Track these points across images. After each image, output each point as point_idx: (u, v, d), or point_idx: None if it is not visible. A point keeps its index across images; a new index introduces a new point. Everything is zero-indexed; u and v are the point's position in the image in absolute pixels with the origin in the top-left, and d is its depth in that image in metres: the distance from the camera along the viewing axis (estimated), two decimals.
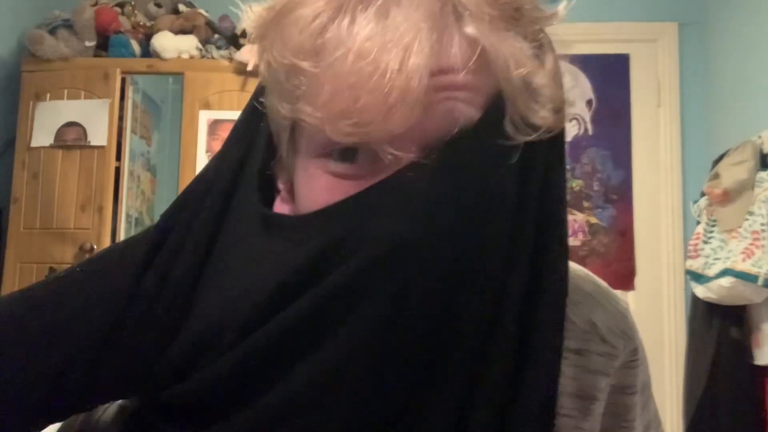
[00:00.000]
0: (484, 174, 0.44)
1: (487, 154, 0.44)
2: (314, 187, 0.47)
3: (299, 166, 0.49)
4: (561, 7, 0.47)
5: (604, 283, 0.60)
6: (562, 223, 0.49)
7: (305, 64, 0.44)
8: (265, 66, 0.48)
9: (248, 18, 0.49)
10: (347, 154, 0.46)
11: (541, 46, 0.46)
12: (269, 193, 0.52)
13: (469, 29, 0.44)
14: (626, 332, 0.58)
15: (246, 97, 2.48)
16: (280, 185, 0.52)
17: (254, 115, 0.52)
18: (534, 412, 0.46)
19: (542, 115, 0.45)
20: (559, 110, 0.46)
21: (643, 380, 0.61)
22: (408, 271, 0.42)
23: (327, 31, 0.44)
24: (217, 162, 0.54)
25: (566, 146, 0.50)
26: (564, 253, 0.49)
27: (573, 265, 0.55)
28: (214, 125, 2.80)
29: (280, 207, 0.51)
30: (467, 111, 0.44)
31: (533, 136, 0.45)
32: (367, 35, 0.42)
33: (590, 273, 0.60)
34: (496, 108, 0.44)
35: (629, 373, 0.58)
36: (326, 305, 0.43)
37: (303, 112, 0.45)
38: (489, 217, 0.44)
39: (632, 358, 0.59)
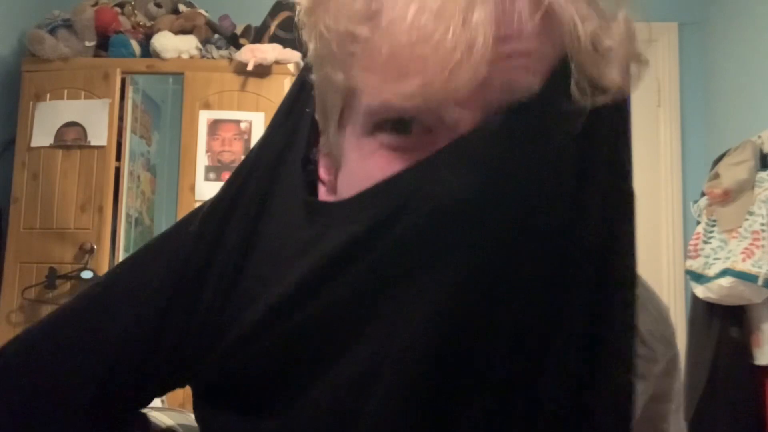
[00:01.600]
0: (547, 140, 0.41)
1: (552, 121, 0.42)
2: (369, 165, 0.44)
3: (351, 147, 0.46)
4: None
5: (649, 286, 0.58)
6: (629, 196, 0.47)
7: (361, 29, 0.42)
8: (315, 40, 0.46)
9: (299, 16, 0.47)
10: (401, 125, 0.43)
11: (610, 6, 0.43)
12: (311, 181, 0.50)
13: None
14: (668, 338, 0.58)
15: (246, 97, 2.48)
16: (324, 174, 0.50)
17: (299, 100, 0.51)
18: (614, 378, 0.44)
19: (612, 77, 0.43)
20: (624, 75, 0.43)
21: (678, 389, 0.61)
22: (472, 228, 0.40)
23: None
24: (258, 149, 0.53)
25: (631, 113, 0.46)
26: (632, 228, 0.46)
27: None
28: (214, 125, 2.80)
29: (326, 197, 0.49)
30: (529, 80, 0.41)
31: (602, 100, 0.42)
32: None
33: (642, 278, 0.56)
34: (562, 73, 0.42)
35: (667, 381, 0.58)
36: (384, 271, 0.41)
37: (359, 78, 0.43)
38: (552, 183, 0.42)
39: (671, 366, 0.58)
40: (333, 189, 0.49)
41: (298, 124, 0.51)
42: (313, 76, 0.48)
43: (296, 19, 0.48)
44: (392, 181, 0.42)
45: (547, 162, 0.41)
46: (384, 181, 0.42)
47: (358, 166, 0.46)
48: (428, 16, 0.39)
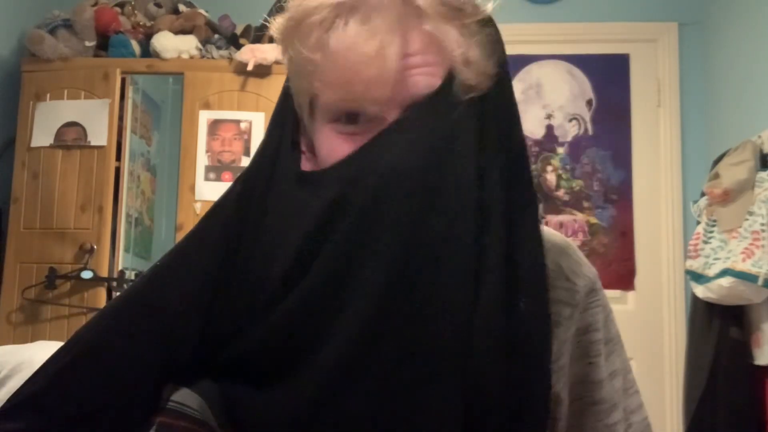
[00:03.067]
0: (444, 122, 0.61)
1: (445, 108, 0.62)
2: (329, 145, 0.65)
3: (318, 130, 0.66)
4: (489, 6, 0.66)
5: (572, 243, 0.76)
6: (527, 160, 0.66)
7: (316, 56, 0.63)
8: (288, 59, 0.67)
9: (274, 26, 0.68)
10: (352, 117, 0.63)
11: (476, 32, 0.64)
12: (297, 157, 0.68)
13: (427, 26, 0.62)
14: (586, 274, 0.73)
15: (246, 97, 2.50)
16: (303, 148, 0.68)
17: (285, 100, 0.69)
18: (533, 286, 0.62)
19: (476, 79, 0.63)
20: (488, 74, 0.64)
21: (606, 327, 0.73)
22: (402, 185, 0.58)
23: (330, 31, 0.63)
24: (264, 139, 0.70)
25: (515, 101, 0.67)
26: (529, 175, 0.66)
27: (546, 227, 0.71)
28: (214, 125, 2.80)
29: (305, 165, 0.67)
30: (431, 81, 0.62)
31: (472, 94, 0.63)
32: (355, 33, 0.61)
33: (561, 234, 0.77)
34: (448, 78, 0.62)
35: (589, 313, 0.72)
36: (354, 236, 0.58)
37: (316, 87, 0.64)
38: (458, 151, 0.61)
39: (592, 298, 0.73)
40: (311, 158, 0.67)
41: (286, 117, 0.69)
42: (289, 82, 0.69)
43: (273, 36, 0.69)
44: (349, 158, 0.62)
45: (444, 136, 0.61)
46: (345, 158, 0.62)
47: (324, 146, 0.65)
48: (355, 51, 0.61)
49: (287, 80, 0.70)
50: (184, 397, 0.60)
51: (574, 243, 0.76)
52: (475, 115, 0.63)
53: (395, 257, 0.57)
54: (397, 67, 0.61)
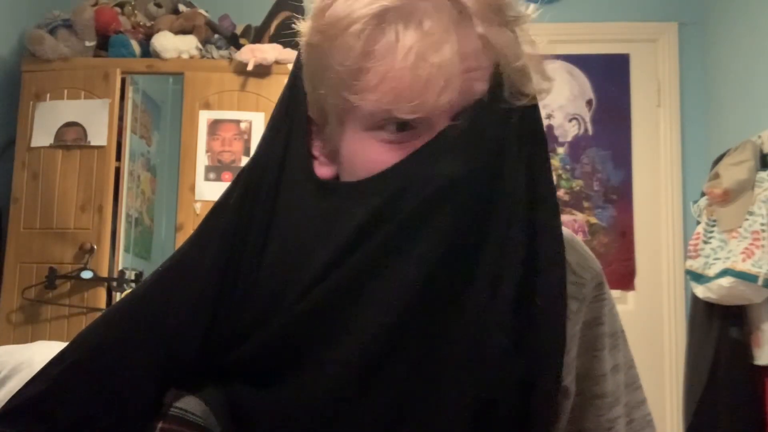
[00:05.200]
0: (495, 130, 0.60)
1: (496, 116, 0.60)
2: (368, 154, 0.62)
3: (350, 138, 0.63)
4: (531, 10, 0.64)
5: (577, 237, 0.75)
6: (549, 170, 0.65)
7: (363, 65, 0.59)
8: (314, 68, 0.63)
9: (302, 35, 0.64)
10: (402, 125, 0.60)
11: (519, 35, 0.62)
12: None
13: (479, 29, 0.60)
14: (593, 267, 0.73)
15: (246, 97, 2.49)
16: (316, 152, 0.66)
17: (292, 102, 0.66)
18: (551, 296, 0.61)
19: (530, 87, 0.61)
20: (537, 83, 0.62)
21: (611, 321, 0.73)
22: (455, 196, 0.58)
23: (376, 43, 0.59)
24: (266, 143, 0.67)
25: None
26: (551, 188, 0.65)
27: None
28: (214, 125, 2.80)
29: (320, 170, 0.65)
30: (481, 85, 0.60)
31: (524, 102, 0.61)
32: (415, 41, 0.58)
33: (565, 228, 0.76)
34: (498, 83, 0.60)
35: (596, 306, 0.72)
36: (398, 233, 0.58)
37: (357, 98, 0.60)
38: (503, 161, 0.61)
39: (598, 292, 0.72)
40: (327, 162, 0.65)
41: (294, 122, 0.66)
42: (308, 87, 0.65)
43: (296, 27, 0.65)
44: (397, 167, 0.60)
45: (497, 143, 0.60)
46: (391, 167, 0.60)
47: (360, 154, 0.62)
48: (418, 60, 0.58)
49: (293, 87, 0.67)
50: (188, 404, 0.60)
51: (580, 240, 0.76)
52: (524, 119, 0.62)
53: (432, 263, 0.57)
54: (459, 74, 0.59)
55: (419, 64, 0.58)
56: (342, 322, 0.58)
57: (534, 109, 0.63)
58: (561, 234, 0.64)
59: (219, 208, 0.66)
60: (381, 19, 0.59)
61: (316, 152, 0.66)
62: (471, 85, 0.59)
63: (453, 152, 0.59)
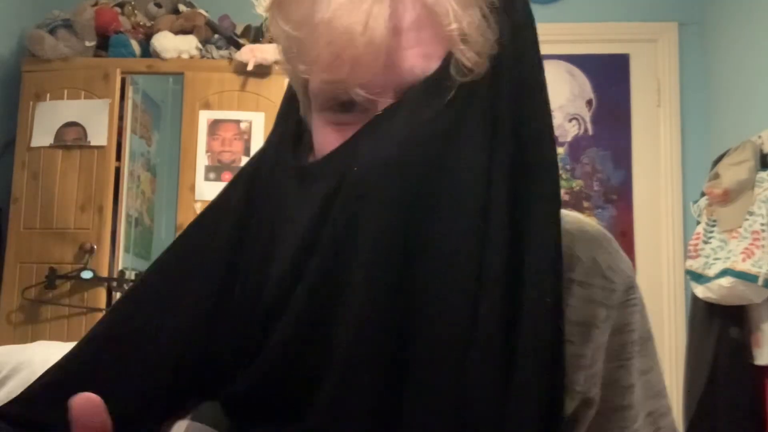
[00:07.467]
0: (442, 109, 0.53)
1: (442, 94, 0.53)
2: (319, 137, 0.58)
3: (313, 122, 0.59)
4: None
5: (608, 233, 0.67)
6: (546, 143, 0.57)
7: (300, 33, 0.55)
8: (275, 39, 0.59)
9: (259, 6, 0.59)
10: (345, 106, 0.56)
11: (469, 5, 0.54)
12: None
13: None
14: (624, 270, 0.65)
15: (246, 97, 2.49)
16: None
17: (289, 93, 0.63)
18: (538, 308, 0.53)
19: (473, 60, 0.53)
20: (486, 55, 0.54)
21: (642, 327, 0.66)
22: (393, 177, 0.51)
23: (315, 4, 0.54)
24: (270, 136, 0.64)
25: (543, 85, 0.58)
26: (552, 168, 0.56)
27: (581, 216, 0.65)
28: (214, 125, 2.80)
29: (313, 159, 0.61)
30: (429, 64, 0.54)
31: (469, 78, 0.53)
32: (338, 5, 0.52)
33: (598, 224, 0.68)
34: (446, 58, 0.54)
35: (626, 311, 0.64)
36: (338, 247, 0.51)
37: (299, 69, 0.56)
38: (460, 143, 0.53)
39: (630, 296, 0.65)
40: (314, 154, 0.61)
41: (290, 112, 0.63)
42: (285, 69, 0.62)
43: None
44: (334, 152, 0.55)
45: (443, 127, 0.53)
46: (331, 152, 0.55)
47: (317, 136, 0.59)
48: (338, 25, 0.52)
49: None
50: None
51: (611, 236, 0.67)
52: (485, 99, 0.54)
53: (381, 272, 0.50)
54: (388, 44, 0.52)
55: (337, 29, 0.52)
56: (306, 359, 0.51)
57: (486, 86, 0.54)
58: (551, 231, 0.55)
59: (212, 210, 0.64)
60: None
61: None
62: (414, 62, 0.53)
63: (385, 134, 0.52)
